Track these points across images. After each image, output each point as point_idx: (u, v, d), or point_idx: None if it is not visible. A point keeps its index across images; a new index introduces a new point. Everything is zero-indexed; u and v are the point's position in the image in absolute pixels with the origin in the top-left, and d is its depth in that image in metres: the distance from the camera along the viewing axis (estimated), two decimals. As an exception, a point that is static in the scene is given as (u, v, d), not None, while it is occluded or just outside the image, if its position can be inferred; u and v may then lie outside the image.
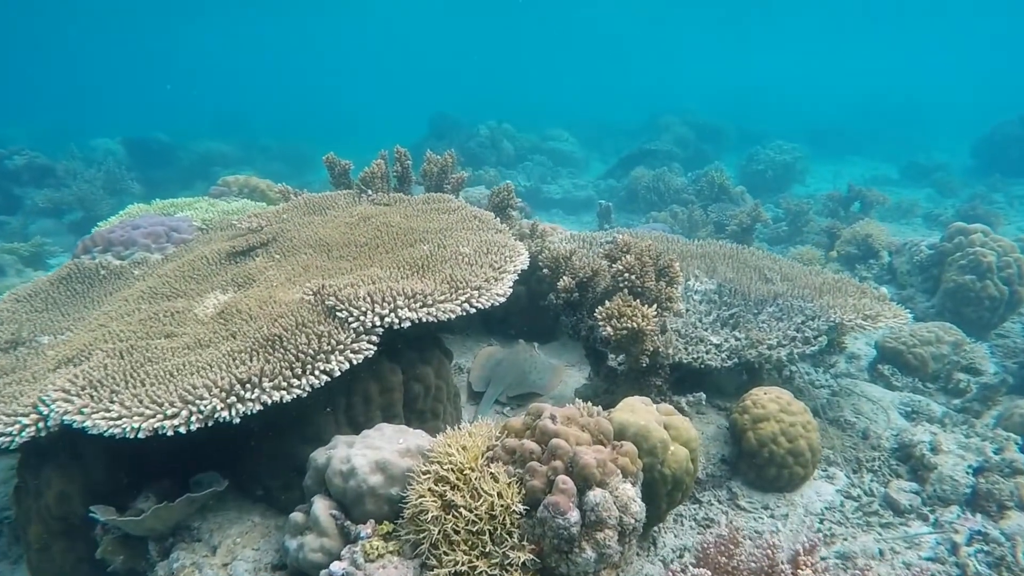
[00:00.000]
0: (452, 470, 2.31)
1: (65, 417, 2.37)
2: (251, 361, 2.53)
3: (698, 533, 3.14)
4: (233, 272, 3.59)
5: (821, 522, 3.19)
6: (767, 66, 44.00)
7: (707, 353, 3.74)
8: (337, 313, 2.72)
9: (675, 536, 3.12)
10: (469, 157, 15.52)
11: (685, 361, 3.64)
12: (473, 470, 2.32)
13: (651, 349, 3.20)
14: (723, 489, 3.43)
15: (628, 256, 3.24)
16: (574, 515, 2.08)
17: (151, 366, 2.65)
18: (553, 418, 2.40)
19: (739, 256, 4.96)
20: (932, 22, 44.10)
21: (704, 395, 3.63)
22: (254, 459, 2.85)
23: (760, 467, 3.36)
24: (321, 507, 2.40)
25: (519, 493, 2.21)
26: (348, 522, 2.40)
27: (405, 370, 2.93)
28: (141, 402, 2.37)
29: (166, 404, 2.34)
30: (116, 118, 21.96)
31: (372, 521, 2.38)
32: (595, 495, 2.12)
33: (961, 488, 3.28)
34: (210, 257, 3.78)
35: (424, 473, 2.35)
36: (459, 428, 2.51)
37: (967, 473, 3.34)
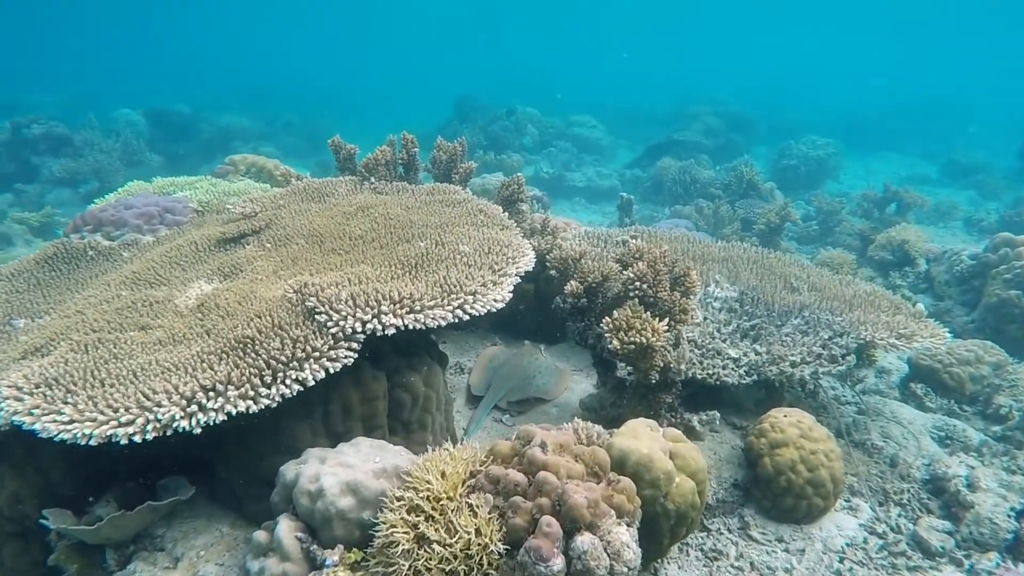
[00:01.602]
0: (428, 498, 2.09)
1: (14, 418, 2.19)
2: (219, 365, 2.32)
3: (704, 566, 2.89)
4: (221, 260, 3.39)
5: (841, 561, 2.91)
6: (800, 56, 42.65)
7: (723, 368, 3.46)
8: (316, 316, 2.50)
9: (679, 568, 2.87)
10: (492, 141, 15.23)
11: (699, 377, 3.36)
12: (452, 499, 2.09)
13: (661, 365, 2.94)
14: (734, 517, 3.17)
15: (640, 263, 2.97)
16: (558, 563, 1.84)
17: (115, 364, 2.46)
18: (543, 446, 2.15)
19: (764, 261, 4.64)
20: (976, 13, 42.36)
21: (718, 414, 3.36)
22: (226, 465, 2.65)
23: (776, 496, 3.09)
24: (285, 529, 2.19)
25: (500, 531, 1.97)
26: (315, 546, 2.18)
27: (390, 377, 2.71)
28: (96, 406, 2.18)
29: (122, 410, 2.14)
30: (145, 89, 21.97)
31: (341, 547, 2.17)
32: (583, 541, 1.88)
33: (1002, 533, 2.98)
34: (199, 243, 3.58)
35: (398, 499, 2.12)
36: (442, 449, 2.28)
37: (1009, 516, 3.03)
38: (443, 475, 2.14)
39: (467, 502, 2.06)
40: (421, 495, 2.09)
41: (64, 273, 3.65)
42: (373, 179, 4.09)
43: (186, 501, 2.63)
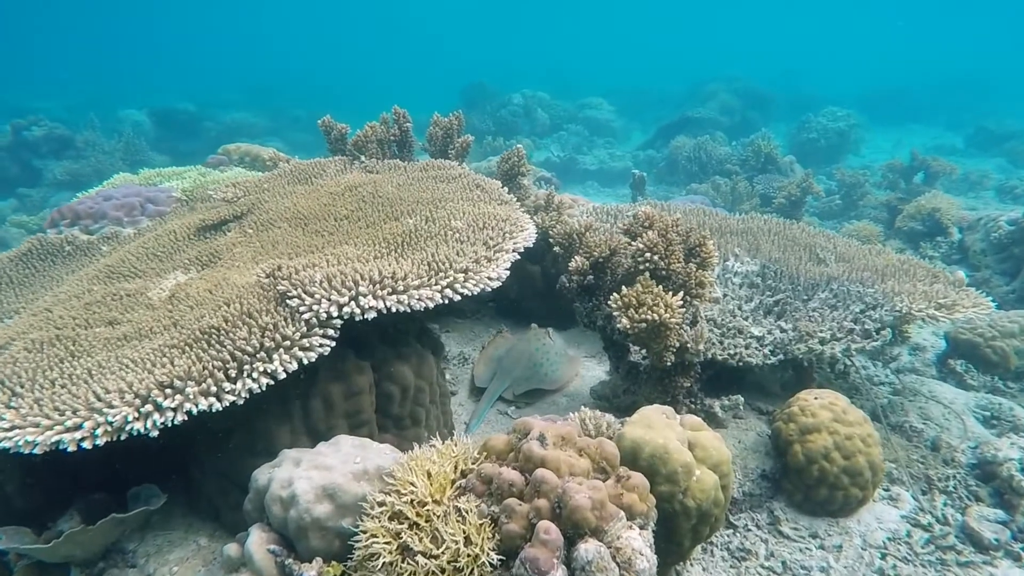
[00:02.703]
0: (412, 503, 1.83)
1: (-45, 424, 1.97)
2: (180, 359, 2.09)
3: (731, 567, 2.62)
4: (199, 249, 3.16)
5: (883, 557, 2.61)
6: (816, 28, 41.58)
7: (747, 348, 3.16)
8: (288, 300, 2.25)
9: (703, 570, 2.60)
10: (501, 126, 14.92)
11: (720, 358, 3.07)
12: (439, 503, 1.83)
13: (677, 345, 2.65)
14: (763, 511, 2.88)
15: (650, 232, 2.68)
16: (559, 576, 1.58)
17: (71, 362, 2.23)
18: (542, 439, 1.89)
19: (787, 232, 4.32)
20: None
21: (742, 399, 3.07)
22: (200, 471, 2.42)
23: (809, 487, 2.80)
24: (257, 541, 1.96)
25: (493, 539, 1.72)
26: (291, 560, 1.95)
27: (377, 368, 2.46)
28: (41, 409, 1.95)
29: (68, 412, 1.91)
30: (152, 90, 21.92)
31: (319, 560, 1.93)
32: (587, 550, 1.61)
33: (1063, 522, 2.66)
34: (178, 232, 3.36)
35: (379, 504, 1.88)
36: (428, 445, 2.03)
37: (1071, 503, 2.71)
38: (429, 475, 1.89)
39: (456, 506, 1.81)
40: (404, 499, 1.84)
41: (39, 270, 3.45)
42: (364, 158, 3.84)
43: (163, 511, 2.42)
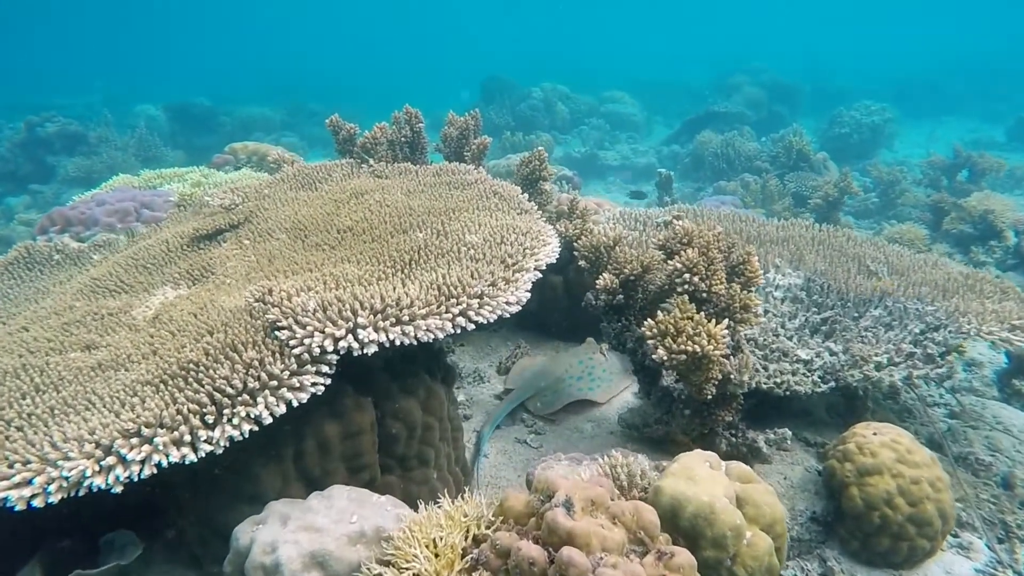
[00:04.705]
0: (415, 581, 1.55)
1: None
2: (152, 400, 1.82)
3: (780, 629, 2.30)
4: (191, 261, 2.90)
5: (957, 622, 2.29)
6: (841, 15, 40.45)
7: (793, 375, 2.83)
8: (279, 331, 1.97)
9: (747, 632, 2.28)
10: (521, 121, 14.57)
11: (765, 387, 2.74)
12: (447, 581, 1.55)
13: (719, 378, 2.33)
14: (813, 559, 2.56)
15: (689, 250, 2.36)
16: None
17: (34, 398, 1.98)
18: (568, 505, 1.59)
19: (832, 241, 3.96)
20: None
21: (789, 432, 2.74)
22: (181, 517, 2.16)
23: (868, 535, 2.47)
24: (235, 616, 1.69)
25: (509, 633, 1.43)
26: (274, 638, 1.67)
27: (379, 404, 2.17)
28: (-10, 459, 1.69)
29: (19, 465, 1.65)
30: (169, 86, 21.88)
31: (307, 640, 1.65)
32: (627, 659, 1.31)
33: None
34: (171, 241, 3.10)
35: (376, 579, 1.59)
36: (433, 507, 1.74)
37: None
38: (434, 546, 1.60)
39: (466, 586, 1.52)
40: (404, 575, 1.56)
41: (25, 281, 3.22)
42: (372, 161, 3.55)
43: (141, 559, 2.16)
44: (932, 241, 6.26)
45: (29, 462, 1.65)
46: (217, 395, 1.79)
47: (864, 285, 3.44)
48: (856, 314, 3.28)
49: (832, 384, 2.88)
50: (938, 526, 2.44)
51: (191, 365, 1.90)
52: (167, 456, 1.69)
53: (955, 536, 2.66)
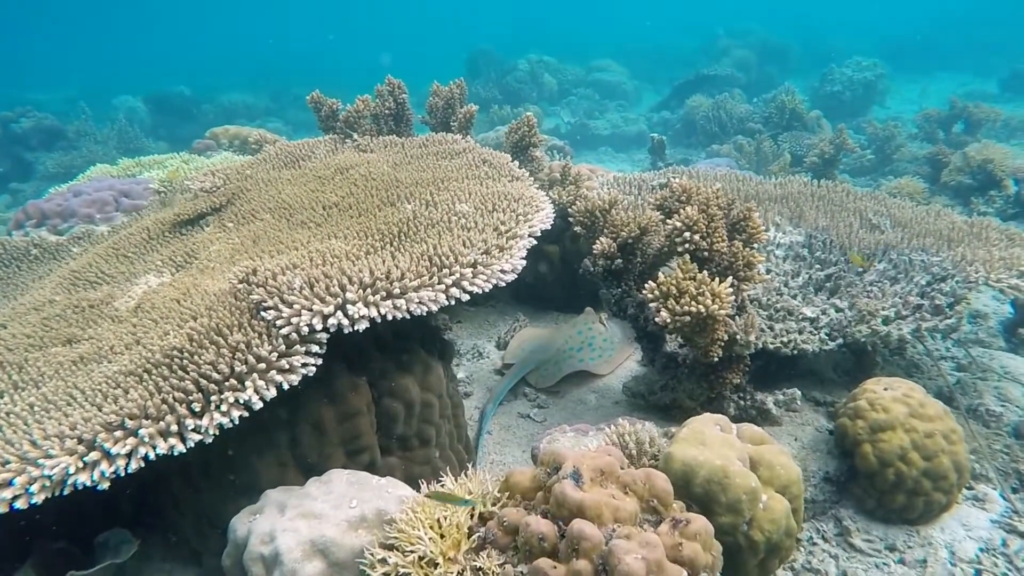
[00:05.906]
0: (419, 562, 1.48)
1: None
2: (135, 391, 1.73)
3: (798, 591, 2.26)
4: (174, 247, 2.80)
5: (978, 574, 2.24)
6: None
7: (800, 333, 2.76)
8: (264, 312, 1.88)
9: (764, 596, 2.23)
10: (508, 94, 14.34)
11: (772, 347, 2.67)
12: (453, 561, 1.48)
13: (725, 338, 2.26)
14: (828, 520, 2.51)
15: (688, 208, 2.26)
16: (610, 672, 1.22)
17: (12, 396, 1.89)
18: (577, 476, 1.51)
19: (832, 196, 3.87)
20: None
21: (799, 392, 2.68)
22: (177, 510, 2.09)
23: (883, 493, 2.42)
24: (236, 609, 1.62)
25: (521, 611, 1.36)
26: (278, 629, 1.61)
27: (375, 383, 2.09)
28: (-33, 461, 1.61)
29: (-2, 465, 1.57)
30: (149, 77, 21.41)
31: (311, 630, 1.59)
32: (646, 634, 1.25)
33: None
34: (152, 229, 3.00)
35: (379, 562, 1.53)
36: (436, 485, 1.67)
37: None
38: (439, 525, 1.53)
39: (472, 565, 1.45)
40: (409, 558, 1.49)
41: (2, 278, 3.11)
42: (356, 135, 3.43)
43: (139, 555, 2.10)
44: (931, 194, 6.16)
45: (8, 462, 1.57)
46: (203, 381, 1.70)
47: (867, 239, 3.35)
48: (860, 269, 3.20)
49: (840, 341, 2.81)
50: (953, 479, 2.39)
51: (175, 352, 1.81)
52: (154, 448, 1.61)
53: (970, 488, 2.61)
